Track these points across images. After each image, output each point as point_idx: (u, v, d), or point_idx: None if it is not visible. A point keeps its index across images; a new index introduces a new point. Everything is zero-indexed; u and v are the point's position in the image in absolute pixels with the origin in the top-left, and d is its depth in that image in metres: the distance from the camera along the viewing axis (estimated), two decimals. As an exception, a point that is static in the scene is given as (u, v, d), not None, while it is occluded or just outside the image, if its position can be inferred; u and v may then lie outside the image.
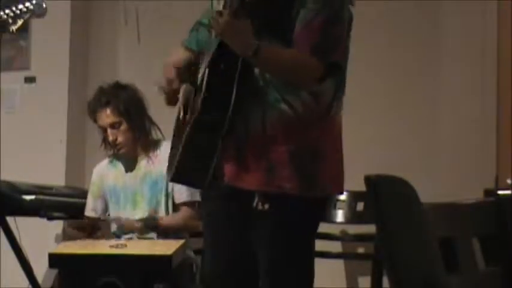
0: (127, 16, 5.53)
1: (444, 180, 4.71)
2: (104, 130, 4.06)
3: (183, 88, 3.03)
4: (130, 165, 4.10)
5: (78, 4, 5.54)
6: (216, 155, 2.81)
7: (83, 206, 4.22)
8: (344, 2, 2.82)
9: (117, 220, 4.05)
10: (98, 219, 4.13)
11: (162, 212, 4.02)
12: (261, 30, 2.72)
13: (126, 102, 4.03)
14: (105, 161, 4.21)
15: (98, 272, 3.62)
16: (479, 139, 4.74)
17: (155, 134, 4.13)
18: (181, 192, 3.95)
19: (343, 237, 4.90)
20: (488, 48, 4.74)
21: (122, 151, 4.07)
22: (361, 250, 4.97)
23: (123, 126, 4.04)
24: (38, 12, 3.64)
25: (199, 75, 2.94)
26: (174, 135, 3.00)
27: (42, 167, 5.34)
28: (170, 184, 3.92)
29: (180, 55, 2.98)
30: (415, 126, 4.87)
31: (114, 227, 4.06)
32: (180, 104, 2.97)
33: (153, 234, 3.98)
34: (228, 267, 2.92)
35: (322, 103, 2.82)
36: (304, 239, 2.89)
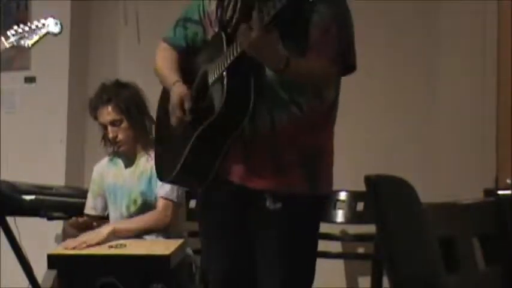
0: (127, 16, 5.53)
1: (444, 180, 4.71)
2: (105, 127, 4.08)
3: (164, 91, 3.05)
4: (129, 162, 4.11)
5: (78, 4, 5.54)
6: (221, 156, 2.84)
7: (82, 206, 4.22)
8: (347, 2, 2.84)
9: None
10: (98, 217, 4.14)
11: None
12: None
13: (127, 101, 4.05)
14: (105, 159, 4.22)
15: (97, 272, 3.62)
16: (479, 139, 4.74)
17: (155, 133, 4.14)
18: (163, 188, 3.94)
19: (343, 237, 4.90)
20: (488, 48, 4.74)
21: (121, 149, 4.08)
22: (361, 250, 4.97)
23: (124, 124, 4.05)
24: (54, 29, 3.70)
25: (198, 78, 2.94)
26: (159, 137, 3.02)
27: (42, 167, 5.34)
28: None
29: (182, 90, 2.93)
30: (415, 126, 4.87)
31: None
32: (170, 105, 2.97)
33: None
34: (237, 271, 2.95)
35: (325, 102, 2.87)
36: (313, 237, 2.96)
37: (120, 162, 4.15)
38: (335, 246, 4.85)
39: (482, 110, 4.75)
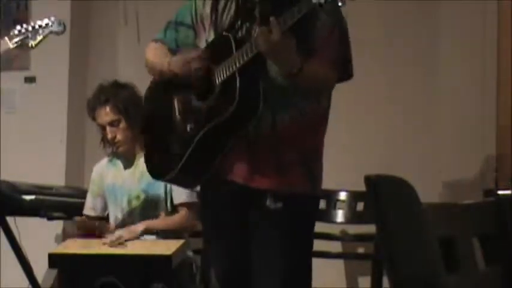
0: (127, 16, 5.53)
1: (444, 180, 4.71)
2: (103, 128, 4.07)
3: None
4: (128, 163, 4.11)
5: (78, 4, 5.54)
6: (221, 156, 2.86)
7: (82, 206, 4.21)
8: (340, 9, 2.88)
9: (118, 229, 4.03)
10: (101, 219, 4.13)
11: (162, 210, 4.02)
12: None
13: (125, 101, 4.05)
14: (105, 160, 4.21)
15: (98, 272, 3.63)
16: (479, 139, 4.74)
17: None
18: (181, 193, 3.95)
19: (343, 237, 4.90)
20: (488, 48, 4.74)
21: (120, 149, 4.08)
22: (361, 250, 4.97)
23: (122, 125, 4.05)
24: (57, 29, 3.70)
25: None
26: (150, 136, 3.03)
27: (42, 167, 5.33)
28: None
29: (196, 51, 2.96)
30: (415, 126, 4.87)
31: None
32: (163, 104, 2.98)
33: (152, 237, 3.98)
34: (237, 271, 2.97)
35: (322, 105, 2.92)
36: (311, 236, 2.98)
37: (119, 163, 4.14)
38: (335, 246, 4.85)
39: (482, 110, 4.75)
